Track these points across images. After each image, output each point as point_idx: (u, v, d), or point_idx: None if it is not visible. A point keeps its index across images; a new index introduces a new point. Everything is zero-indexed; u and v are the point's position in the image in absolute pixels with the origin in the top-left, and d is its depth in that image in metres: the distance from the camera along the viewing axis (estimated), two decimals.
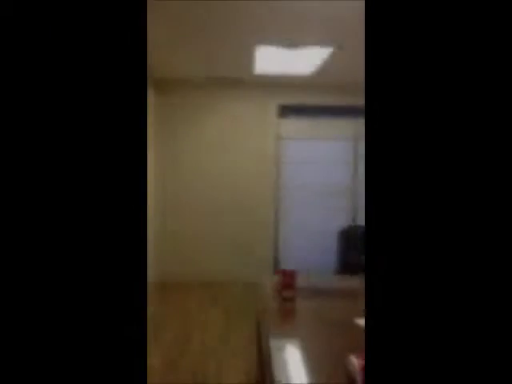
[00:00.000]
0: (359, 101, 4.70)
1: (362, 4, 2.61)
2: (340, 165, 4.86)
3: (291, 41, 3.31)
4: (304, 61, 3.76)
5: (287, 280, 1.74)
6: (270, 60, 3.75)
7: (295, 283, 1.74)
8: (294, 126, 4.79)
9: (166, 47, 3.48)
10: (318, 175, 4.86)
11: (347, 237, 4.66)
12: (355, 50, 3.51)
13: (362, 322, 1.51)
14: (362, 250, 4.47)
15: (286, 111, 4.76)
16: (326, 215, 4.90)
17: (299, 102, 4.73)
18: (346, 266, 4.39)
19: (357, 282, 2.16)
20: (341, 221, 4.88)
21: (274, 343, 1.30)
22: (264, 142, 4.76)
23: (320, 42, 3.31)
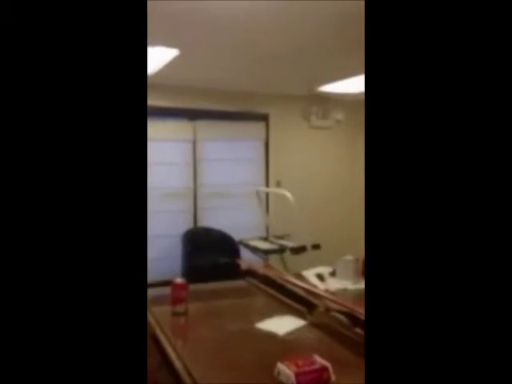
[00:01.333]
0: (198, 104, 4.74)
1: (204, 5, 2.60)
2: (179, 167, 4.81)
3: None
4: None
5: (178, 293, 1.64)
6: None
7: (187, 296, 1.66)
8: None
9: None
10: (156, 178, 4.71)
11: (191, 240, 4.65)
12: (197, 54, 3.52)
13: (262, 325, 1.53)
14: (207, 252, 4.52)
15: None
16: (167, 219, 4.79)
17: None
18: (192, 271, 4.37)
19: (232, 284, 2.19)
20: (183, 224, 4.84)
21: (190, 365, 1.22)
22: None
23: (161, 43, 3.21)
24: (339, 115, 5.44)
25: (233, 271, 4.55)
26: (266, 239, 3.19)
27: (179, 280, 1.67)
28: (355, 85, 4.46)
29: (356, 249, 4.81)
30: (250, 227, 4.97)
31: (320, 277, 2.18)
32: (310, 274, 2.22)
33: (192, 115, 4.75)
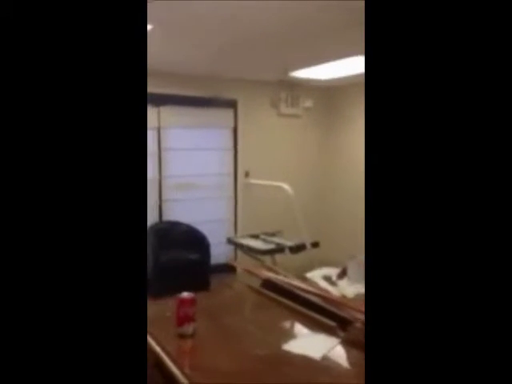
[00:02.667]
0: (162, 88, 4.37)
1: None
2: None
3: None
4: None
5: (186, 311, 1.36)
6: None
7: (195, 313, 1.38)
8: None
9: None
10: None
11: (157, 235, 4.31)
12: (163, 33, 3.18)
13: (291, 347, 1.29)
14: (175, 248, 4.21)
15: None
16: None
17: None
18: (159, 268, 4.04)
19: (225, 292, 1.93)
20: (147, 218, 4.49)
21: None
22: None
23: None
24: (308, 103, 5.26)
25: (203, 268, 4.29)
26: (257, 237, 2.88)
27: (186, 294, 1.38)
28: (327, 70, 4.29)
29: (334, 242, 4.66)
30: (221, 221, 4.71)
31: (328, 279, 1.96)
32: (316, 277, 1.99)
33: (156, 101, 4.37)
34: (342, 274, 2.00)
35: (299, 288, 1.72)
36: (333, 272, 2.05)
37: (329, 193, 5.33)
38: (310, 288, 1.71)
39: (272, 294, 1.74)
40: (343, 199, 5.15)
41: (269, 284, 1.84)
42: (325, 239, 4.27)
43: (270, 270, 2.00)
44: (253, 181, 2.94)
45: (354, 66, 4.04)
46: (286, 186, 2.46)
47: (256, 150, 5.02)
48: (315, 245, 2.64)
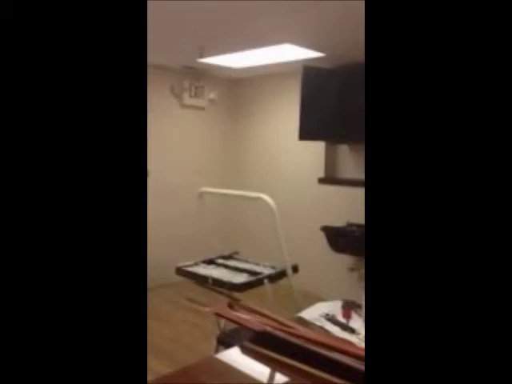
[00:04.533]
0: None
1: None
2: None
3: None
4: None
5: None
6: None
7: None
8: None
9: None
10: None
11: None
12: None
13: None
14: None
15: None
16: None
17: None
18: None
19: None
20: None
21: None
22: None
23: None
24: (212, 94, 4.74)
25: None
26: (212, 262, 2.18)
27: None
28: (242, 59, 3.84)
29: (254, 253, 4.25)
30: None
31: (334, 322, 1.50)
32: (317, 319, 1.51)
33: None
34: (349, 312, 1.55)
35: (323, 345, 1.22)
36: (332, 308, 1.60)
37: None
38: (338, 345, 1.23)
39: (287, 360, 1.21)
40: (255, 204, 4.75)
41: (268, 340, 1.31)
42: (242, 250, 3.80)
43: (256, 313, 1.45)
44: (210, 190, 2.28)
45: (272, 55, 3.66)
46: (266, 198, 1.90)
47: (157, 145, 4.35)
48: (295, 269, 2.11)
